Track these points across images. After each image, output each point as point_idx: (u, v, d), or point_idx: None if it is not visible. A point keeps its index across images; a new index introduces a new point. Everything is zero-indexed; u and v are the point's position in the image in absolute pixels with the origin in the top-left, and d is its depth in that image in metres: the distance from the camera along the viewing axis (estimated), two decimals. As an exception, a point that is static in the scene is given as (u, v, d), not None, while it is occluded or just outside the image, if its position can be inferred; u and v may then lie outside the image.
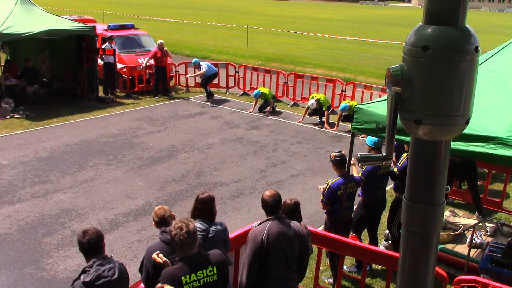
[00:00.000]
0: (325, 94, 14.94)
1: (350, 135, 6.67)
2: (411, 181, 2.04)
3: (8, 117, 13.69)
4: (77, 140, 12.13)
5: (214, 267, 4.00)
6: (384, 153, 2.16)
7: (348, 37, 29.96)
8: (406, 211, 2.07)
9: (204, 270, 3.96)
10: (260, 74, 16.99)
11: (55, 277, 6.80)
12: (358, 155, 2.24)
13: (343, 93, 14.88)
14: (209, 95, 16.48)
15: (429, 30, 1.93)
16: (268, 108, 15.09)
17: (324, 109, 13.78)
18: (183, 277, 3.85)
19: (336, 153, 6.64)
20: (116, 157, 11.10)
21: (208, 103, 16.12)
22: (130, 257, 7.20)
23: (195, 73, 16.75)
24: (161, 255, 4.12)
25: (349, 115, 12.67)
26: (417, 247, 2.07)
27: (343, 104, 13.14)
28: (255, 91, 15.11)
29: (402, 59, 2.02)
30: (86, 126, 13.37)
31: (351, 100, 13.75)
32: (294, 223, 4.70)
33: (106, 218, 8.42)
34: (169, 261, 4.09)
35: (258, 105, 15.22)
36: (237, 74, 17.37)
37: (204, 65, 16.34)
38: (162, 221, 4.61)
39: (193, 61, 16.82)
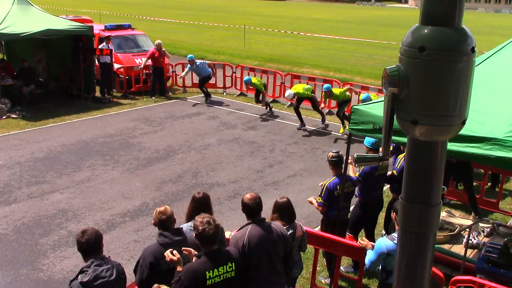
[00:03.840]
0: (322, 94, 14.96)
1: (346, 137, 6.68)
2: (408, 181, 2.04)
3: (4, 117, 13.66)
4: (74, 141, 12.11)
5: (233, 264, 4.04)
6: (381, 154, 2.16)
7: (345, 37, 30.00)
8: (402, 211, 2.08)
9: (225, 266, 4.01)
10: (257, 75, 16.99)
11: (52, 278, 6.78)
12: (355, 155, 2.24)
13: (340, 93, 14.89)
14: (207, 96, 16.37)
15: (425, 30, 1.93)
16: (262, 98, 15.06)
17: (309, 97, 13.77)
18: (207, 272, 3.88)
19: (333, 153, 6.65)
20: (112, 158, 11.08)
21: (205, 104, 16.10)
22: (127, 258, 7.19)
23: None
24: (175, 251, 4.12)
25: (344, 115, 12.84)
26: (414, 248, 2.07)
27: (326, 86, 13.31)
28: (246, 77, 15.21)
29: (398, 60, 2.02)
30: (83, 126, 13.34)
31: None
32: (275, 224, 4.69)
33: (103, 218, 8.41)
34: (182, 259, 4.08)
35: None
36: (234, 74, 17.37)
37: (198, 63, 16.13)
38: (162, 224, 4.57)
39: (188, 56, 16.40)
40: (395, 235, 4.92)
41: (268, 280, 4.51)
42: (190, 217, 4.98)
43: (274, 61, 23.35)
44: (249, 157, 11.39)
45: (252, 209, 4.54)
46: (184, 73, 16.31)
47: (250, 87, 15.22)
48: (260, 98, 15.08)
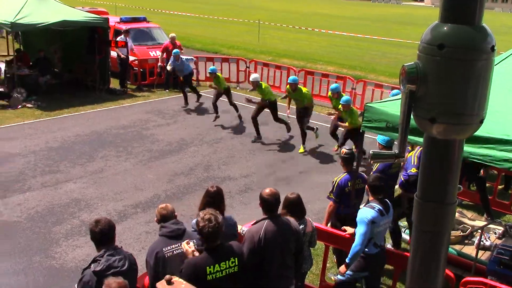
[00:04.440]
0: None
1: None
2: (424, 179, 2.04)
3: (20, 106, 13.79)
4: (88, 131, 12.20)
5: (236, 259, 4.05)
6: (397, 151, 2.16)
7: (359, 34, 29.82)
8: (417, 209, 2.07)
9: (227, 261, 4.01)
10: (271, 70, 16.97)
11: (64, 266, 6.86)
12: (371, 152, 2.24)
13: (353, 90, 14.84)
14: (185, 97, 14.99)
15: (445, 28, 1.93)
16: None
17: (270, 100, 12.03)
18: (207, 268, 3.89)
19: (346, 150, 6.64)
20: (126, 149, 11.16)
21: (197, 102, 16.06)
22: (138, 248, 7.24)
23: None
24: (191, 243, 4.15)
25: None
26: (428, 246, 2.07)
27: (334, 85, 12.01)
28: (212, 67, 13.80)
29: (417, 57, 2.02)
30: (97, 117, 13.44)
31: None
32: (290, 220, 4.70)
33: (115, 209, 8.48)
34: (197, 252, 4.11)
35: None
36: (247, 69, 17.36)
37: (184, 59, 15.13)
38: (164, 220, 4.64)
39: (173, 51, 14.98)
40: (372, 204, 5.46)
41: (279, 274, 4.55)
42: (202, 210, 5.00)
43: (288, 57, 23.30)
44: (261, 152, 11.40)
45: (270, 205, 4.54)
46: (169, 67, 15.08)
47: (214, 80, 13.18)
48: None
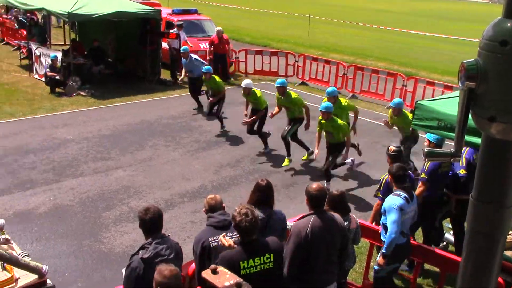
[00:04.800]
0: (385, 88, 14.68)
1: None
2: (481, 180, 1.98)
3: (74, 94, 14.24)
4: (138, 120, 12.49)
5: (271, 255, 4.03)
6: (453, 150, 2.10)
7: (412, 30, 29.11)
8: (472, 211, 2.01)
9: (262, 257, 3.99)
10: (320, 64, 16.83)
11: (112, 251, 7.07)
12: (426, 149, 2.19)
13: (404, 87, 14.53)
14: (200, 106, 13.54)
15: (508, 24, 1.86)
16: (215, 104, 11.86)
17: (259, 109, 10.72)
18: (241, 262, 3.90)
19: (395, 147, 6.53)
20: (174, 139, 11.36)
21: (266, 91, 16.09)
22: (183, 237, 7.36)
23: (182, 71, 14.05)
24: (227, 237, 4.19)
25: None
26: (482, 250, 2.00)
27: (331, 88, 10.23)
28: (207, 66, 12.31)
29: (477, 54, 1.96)
30: (147, 107, 13.72)
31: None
32: (336, 216, 4.67)
33: (162, 197, 8.65)
34: (234, 245, 4.14)
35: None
36: (296, 63, 17.28)
37: (194, 58, 13.40)
38: (211, 211, 4.69)
39: (182, 48, 13.92)
40: (397, 192, 5.51)
41: (324, 269, 4.54)
42: (254, 204, 5.01)
43: (337, 52, 23.04)
44: (310, 147, 11.34)
45: (317, 200, 4.52)
46: (183, 76, 14.12)
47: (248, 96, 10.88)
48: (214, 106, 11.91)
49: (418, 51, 25.04)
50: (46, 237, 7.23)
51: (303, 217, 4.63)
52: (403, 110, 9.28)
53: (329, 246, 4.50)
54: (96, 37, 16.58)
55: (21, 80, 15.62)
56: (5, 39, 20.83)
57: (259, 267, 3.98)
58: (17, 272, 6.15)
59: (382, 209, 5.59)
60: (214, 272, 3.47)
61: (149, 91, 15.15)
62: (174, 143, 11.15)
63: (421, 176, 6.59)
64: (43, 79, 14.88)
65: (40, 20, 20.02)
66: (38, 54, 15.46)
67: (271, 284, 4.10)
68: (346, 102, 10.07)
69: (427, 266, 6.86)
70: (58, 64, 14.52)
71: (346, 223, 5.05)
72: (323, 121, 9.04)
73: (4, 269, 6.22)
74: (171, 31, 16.09)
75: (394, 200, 5.44)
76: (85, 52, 16.35)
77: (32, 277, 6.16)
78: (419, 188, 6.58)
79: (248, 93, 10.47)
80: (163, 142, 11.17)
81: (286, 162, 10.25)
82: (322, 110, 8.99)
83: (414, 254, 5.91)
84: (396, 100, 9.60)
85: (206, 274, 3.48)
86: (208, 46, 16.65)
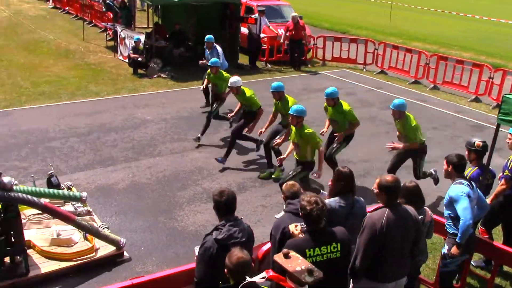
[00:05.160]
0: (469, 80, 14.00)
1: (494, 126, 6.18)
2: None
3: (155, 76, 14.72)
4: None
5: (338, 244, 4.00)
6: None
7: (502, 19, 27.48)
8: None
9: (328, 246, 3.97)
10: (401, 53, 16.32)
11: (185, 229, 7.29)
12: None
13: (491, 80, 13.78)
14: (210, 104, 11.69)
15: None
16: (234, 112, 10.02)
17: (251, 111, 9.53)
18: (307, 250, 3.90)
19: (482, 143, 6.21)
20: (249, 124, 11.45)
21: (343, 78, 15.86)
22: (254, 221, 7.45)
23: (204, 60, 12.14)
24: (298, 227, 4.20)
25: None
26: None
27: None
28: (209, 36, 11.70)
29: None
30: (224, 90, 13.91)
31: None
32: (410, 209, 4.55)
33: (235, 180, 8.79)
34: (302, 234, 4.14)
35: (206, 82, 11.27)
36: (376, 51, 16.86)
37: (219, 50, 12.03)
38: (291, 197, 4.70)
39: (206, 37, 12.33)
40: (459, 180, 5.29)
41: (396, 263, 4.46)
42: (334, 191, 4.99)
43: (420, 40, 22.21)
44: (384, 137, 11.06)
45: (392, 192, 4.42)
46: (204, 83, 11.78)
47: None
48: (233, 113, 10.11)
49: (508, 41, 23.60)
50: (124, 212, 7.58)
51: (376, 209, 4.55)
52: (406, 113, 7.89)
53: (403, 239, 4.41)
54: (177, 20, 16.99)
55: (106, 60, 16.35)
56: (93, 21, 21.83)
57: (326, 256, 3.96)
58: (97, 242, 6.52)
59: (445, 201, 5.37)
60: (286, 256, 3.50)
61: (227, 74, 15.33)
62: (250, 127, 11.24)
63: (505, 174, 6.25)
64: (126, 60, 15.49)
65: (127, 3, 20.79)
66: (122, 36, 16.09)
67: (337, 274, 4.07)
68: (349, 108, 8.47)
69: (506, 267, 6.55)
70: (141, 46, 15.05)
71: (420, 216, 4.91)
72: (292, 127, 7.56)
73: (86, 239, 6.61)
74: (251, 16, 16.18)
75: (460, 188, 5.23)
76: (167, 35, 16.84)
77: (110, 249, 6.51)
78: (501, 186, 6.26)
79: (237, 92, 9.31)
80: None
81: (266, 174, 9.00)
82: (292, 113, 7.30)
83: (493, 254, 5.65)
84: (397, 101, 8.01)
85: (278, 257, 3.52)
86: (284, 33, 16.61)
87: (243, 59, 16.75)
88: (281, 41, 16.63)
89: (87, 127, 10.79)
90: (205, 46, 12.31)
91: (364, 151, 10.31)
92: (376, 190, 4.51)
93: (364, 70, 17.08)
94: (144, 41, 15.23)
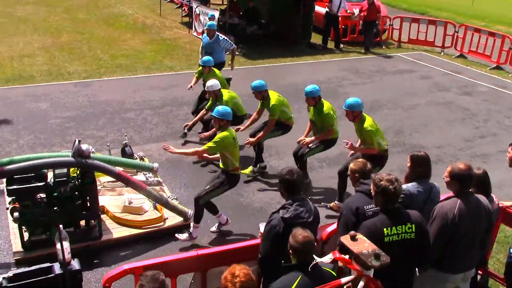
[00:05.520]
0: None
1: None
2: None
3: (228, 53, 14.81)
4: (285, 83, 12.66)
5: (413, 225, 3.91)
6: None
7: None
8: None
9: (403, 226, 3.90)
10: (482, 37, 15.50)
11: (250, 205, 7.38)
12: None
13: None
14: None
15: None
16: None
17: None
18: (385, 229, 3.86)
19: None
20: (319, 104, 11.34)
21: (419, 61, 15.29)
22: (319, 202, 7.42)
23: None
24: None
25: None
26: None
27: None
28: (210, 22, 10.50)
29: None
30: (295, 70, 13.84)
31: None
32: (482, 198, 4.36)
33: (302, 160, 8.75)
34: None
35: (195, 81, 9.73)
36: (456, 34, 16.10)
37: (221, 38, 10.61)
38: (364, 177, 4.61)
39: (207, 24, 10.89)
40: None
41: (466, 254, 4.31)
42: (410, 176, 4.88)
43: (504, 23, 21.00)
44: (459, 124, 10.65)
45: (465, 181, 4.25)
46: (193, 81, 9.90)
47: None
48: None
49: None
50: (193, 185, 7.75)
51: (447, 198, 4.40)
52: (363, 114, 6.96)
53: (474, 230, 4.25)
54: (252, -3, 16.97)
55: (181, 36, 16.67)
56: (169, -3, 22.27)
57: (401, 236, 3.89)
58: (166, 212, 6.74)
59: None
60: (353, 238, 3.45)
61: (298, 54, 15.25)
62: (319, 107, 11.14)
63: None
64: (200, 36, 15.69)
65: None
66: (198, 12, 16.29)
67: (411, 256, 3.98)
68: (328, 111, 7.64)
69: None
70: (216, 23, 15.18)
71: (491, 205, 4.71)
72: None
73: (155, 208, 6.84)
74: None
75: None
76: (241, 13, 16.87)
77: (178, 219, 6.71)
78: None
79: (215, 95, 8.35)
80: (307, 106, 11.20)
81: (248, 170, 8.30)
82: (215, 115, 6.39)
83: None
84: (350, 100, 6.96)
85: (345, 239, 3.48)
86: (358, 13, 16.22)
87: (316, 39, 16.52)
88: (356, 19, 16.22)
89: (160, 100, 11.10)
90: (205, 34, 10.61)
91: (437, 136, 9.95)
92: (447, 179, 4.33)
93: (442, 53, 16.40)
94: (218, 17, 15.34)
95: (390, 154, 8.95)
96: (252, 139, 8.03)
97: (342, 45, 16.39)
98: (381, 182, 3.93)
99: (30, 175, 5.71)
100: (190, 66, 13.59)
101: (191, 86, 9.64)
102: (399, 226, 3.90)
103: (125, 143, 7.87)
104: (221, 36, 10.57)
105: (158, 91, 11.62)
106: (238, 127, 8.16)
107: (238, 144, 6.47)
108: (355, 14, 16.40)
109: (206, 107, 8.68)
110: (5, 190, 5.82)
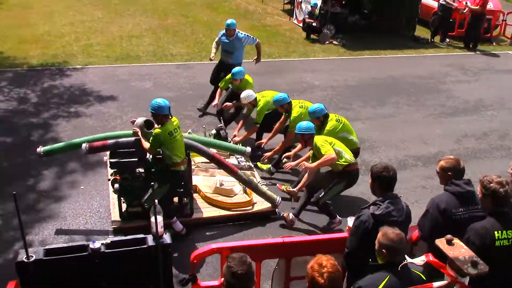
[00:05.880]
0: None
1: None
2: None
3: (327, 42, 14.67)
4: (384, 75, 12.33)
5: None
6: None
7: None
8: None
9: None
10: None
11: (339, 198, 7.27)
12: None
13: None
14: (205, 107, 9.82)
15: None
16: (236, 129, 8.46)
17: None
18: (495, 232, 3.70)
19: None
20: (418, 100, 10.94)
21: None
22: (412, 201, 7.15)
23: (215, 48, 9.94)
24: None
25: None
26: None
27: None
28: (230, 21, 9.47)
29: None
30: (396, 63, 13.43)
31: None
32: None
33: (396, 156, 8.51)
34: None
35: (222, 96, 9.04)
36: (504, 22, 14.94)
37: (242, 36, 9.59)
38: (456, 177, 4.37)
39: (227, 22, 9.58)
40: None
41: None
42: None
43: None
44: None
45: None
46: (213, 51, 9.92)
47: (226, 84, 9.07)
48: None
49: None
50: (283, 172, 7.79)
51: None
52: (314, 137, 6.35)
53: None
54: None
55: (282, 23, 16.71)
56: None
57: (511, 240, 3.69)
58: (255, 197, 6.85)
59: None
60: (449, 243, 3.31)
61: (400, 47, 14.74)
62: (417, 103, 10.74)
63: None
64: (301, 24, 15.65)
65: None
66: (300, 0, 16.23)
67: None
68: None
69: None
70: (317, 11, 15.06)
71: None
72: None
73: (245, 192, 6.97)
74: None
75: None
76: (343, 2, 16.58)
77: (266, 205, 6.80)
78: None
79: (252, 106, 8.18)
80: (405, 100, 10.85)
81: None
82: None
83: None
84: (302, 124, 6.48)
85: (440, 242, 3.34)
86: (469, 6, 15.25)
87: (420, 32, 15.88)
88: (466, 13, 15.29)
89: (256, 86, 11.20)
90: (223, 32, 9.62)
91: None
92: None
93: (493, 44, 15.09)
94: (320, 6, 15.20)
95: (492, 158, 8.51)
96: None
97: (448, 40, 15.58)
98: (491, 185, 3.77)
99: (131, 150, 6.03)
100: (288, 54, 13.62)
101: (216, 103, 8.90)
102: (510, 231, 3.72)
103: (220, 126, 8.05)
104: (240, 33, 9.57)
105: (254, 77, 11.73)
106: (261, 141, 8.01)
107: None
108: (466, 9, 15.47)
109: (220, 86, 8.99)
110: (108, 163, 6.22)
